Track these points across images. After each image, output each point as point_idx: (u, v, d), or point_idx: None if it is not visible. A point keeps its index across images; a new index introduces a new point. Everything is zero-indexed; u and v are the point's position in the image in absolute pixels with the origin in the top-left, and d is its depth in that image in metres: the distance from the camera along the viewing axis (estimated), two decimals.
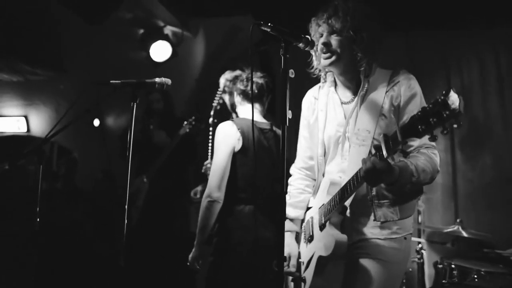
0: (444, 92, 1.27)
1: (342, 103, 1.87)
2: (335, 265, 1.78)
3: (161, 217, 3.66)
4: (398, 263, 1.78)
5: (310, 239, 1.89)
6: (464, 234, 2.91)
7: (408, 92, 1.75)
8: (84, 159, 4.77)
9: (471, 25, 4.11)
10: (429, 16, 4.07)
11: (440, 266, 3.03)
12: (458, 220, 3.02)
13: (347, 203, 1.76)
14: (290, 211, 2.00)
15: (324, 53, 1.76)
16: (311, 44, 1.67)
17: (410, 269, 3.30)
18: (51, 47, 4.87)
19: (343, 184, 1.73)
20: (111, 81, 1.84)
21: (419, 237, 3.57)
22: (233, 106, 3.34)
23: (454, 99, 1.23)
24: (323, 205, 1.84)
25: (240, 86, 2.64)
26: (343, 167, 1.81)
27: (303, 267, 1.89)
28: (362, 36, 1.73)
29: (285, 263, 1.88)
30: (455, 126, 1.24)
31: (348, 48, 1.75)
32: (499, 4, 3.79)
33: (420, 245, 3.39)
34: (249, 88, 2.59)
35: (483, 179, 4.03)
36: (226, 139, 2.43)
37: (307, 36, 1.67)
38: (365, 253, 1.75)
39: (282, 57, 1.57)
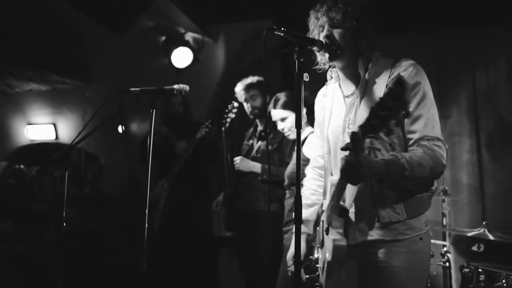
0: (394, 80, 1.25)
1: (344, 97, 1.79)
2: (341, 270, 1.75)
3: (183, 221, 3.70)
4: (414, 268, 1.65)
5: (321, 244, 1.86)
6: (491, 237, 2.82)
7: (409, 82, 1.60)
8: (110, 165, 4.89)
9: (498, 22, 4.01)
10: (456, 15, 4.00)
11: (467, 270, 2.94)
12: (484, 223, 2.93)
13: (348, 204, 1.69)
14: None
15: (327, 47, 1.67)
16: (326, 47, 1.67)
17: (435, 273, 3.23)
18: (78, 57, 5.04)
19: None
20: (130, 89, 1.89)
21: (444, 240, 3.49)
22: (253, 112, 3.40)
23: (398, 88, 1.20)
24: (327, 208, 1.79)
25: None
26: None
27: (320, 273, 1.88)
28: (365, 26, 1.65)
29: (290, 264, 1.86)
30: (406, 116, 1.24)
31: (351, 40, 1.66)
32: None
33: (445, 249, 3.31)
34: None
35: None
36: None
37: (321, 40, 1.67)
38: (377, 260, 1.65)
39: (296, 61, 1.58)
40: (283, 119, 2.92)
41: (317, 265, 1.90)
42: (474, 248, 2.90)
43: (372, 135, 1.30)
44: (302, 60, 1.58)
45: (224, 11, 4.30)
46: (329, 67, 1.84)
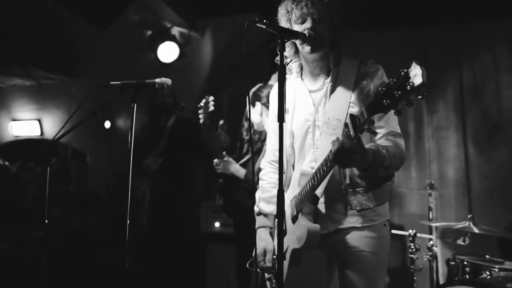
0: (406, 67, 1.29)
1: (310, 91, 1.82)
2: (311, 256, 1.76)
3: (170, 218, 3.67)
4: (381, 252, 1.76)
5: (284, 234, 1.84)
6: (476, 230, 2.84)
7: (377, 81, 1.71)
8: (99, 162, 4.84)
9: (484, 17, 4.04)
10: (443, 10, 4.01)
11: (453, 263, 2.96)
12: (469, 216, 2.95)
13: (319, 192, 1.73)
14: (263, 206, 1.97)
15: (310, 39, 1.69)
16: (308, 39, 1.65)
17: (421, 267, 3.24)
18: (63, 52, 4.96)
19: None
20: (111, 83, 1.86)
21: (430, 234, 3.51)
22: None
23: (417, 71, 1.24)
24: (294, 197, 1.80)
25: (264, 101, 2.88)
26: (315, 156, 1.77)
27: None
28: (346, 22, 1.71)
29: (261, 259, 1.86)
30: (419, 97, 1.25)
31: (331, 35, 1.72)
32: None
33: (431, 242, 3.32)
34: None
35: (499, 174, 3.94)
36: None
37: (304, 32, 1.65)
38: (347, 246, 1.73)
39: (279, 53, 1.56)
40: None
41: (273, 256, 1.88)
42: (460, 241, 2.91)
43: (380, 113, 1.37)
44: (284, 52, 1.57)
45: (210, 5, 4.26)
46: (290, 61, 1.87)
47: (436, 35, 4.25)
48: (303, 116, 1.81)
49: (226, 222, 4.08)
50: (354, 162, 1.52)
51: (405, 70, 1.26)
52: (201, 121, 3.22)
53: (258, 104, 2.85)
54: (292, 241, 1.77)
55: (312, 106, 1.79)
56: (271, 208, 1.95)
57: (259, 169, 2.12)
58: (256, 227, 1.96)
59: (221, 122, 3.38)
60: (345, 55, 1.78)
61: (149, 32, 4.42)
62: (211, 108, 3.23)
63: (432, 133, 4.21)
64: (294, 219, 1.77)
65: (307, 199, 1.71)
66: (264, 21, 1.53)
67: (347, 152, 1.46)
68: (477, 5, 3.90)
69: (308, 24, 1.69)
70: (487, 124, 4.06)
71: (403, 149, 1.69)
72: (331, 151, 1.52)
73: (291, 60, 1.86)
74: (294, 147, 1.85)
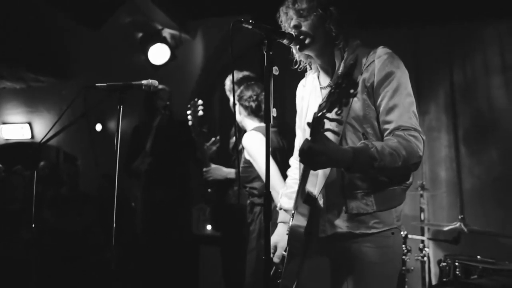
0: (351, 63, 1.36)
1: (321, 88, 1.76)
2: (313, 263, 1.73)
3: (162, 220, 3.65)
4: (387, 262, 1.61)
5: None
6: (466, 230, 2.84)
7: (382, 71, 1.56)
8: (88, 164, 4.80)
9: (475, 18, 4.06)
10: (434, 11, 4.03)
11: (444, 264, 2.96)
12: (460, 217, 2.96)
13: (316, 192, 1.66)
14: (284, 202, 1.94)
15: (297, 38, 1.64)
16: (295, 39, 1.64)
17: (413, 268, 3.24)
18: (53, 54, 4.92)
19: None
20: (96, 84, 1.84)
21: (422, 235, 3.51)
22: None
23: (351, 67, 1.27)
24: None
25: (246, 103, 2.79)
26: None
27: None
28: (331, 11, 1.62)
29: (272, 253, 1.84)
30: (352, 93, 1.34)
31: (321, 28, 1.63)
32: None
33: (423, 244, 3.33)
34: (254, 105, 2.76)
35: (490, 174, 3.96)
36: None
37: (291, 32, 1.64)
38: (349, 254, 1.62)
39: (265, 54, 1.54)
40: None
41: (282, 252, 1.86)
42: (451, 242, 2.92)
43: (327, 115, 1.36)
44: (271, 53, 1.55)
45: (201, 7, 4.24)
46: (300, 61, 1.81)
47: (427, 36, 4.26)
48: (312, 112, 1.69)
49: None
50: (320, 164, 1.45)
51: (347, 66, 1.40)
52: (189, 123, 3.20)
53: (237, 104, 2.84)
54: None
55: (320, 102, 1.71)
56: (292, 204, 1.86)
57: (289, 166, 2.09)
58: (277, 221, 1.94)
59: (214, 138, 3.37)
60: (355, 47, 1.67)
61: (140, 34, 4.39)
62: (201, 112, 3.22)
63: (424, 134, 4.21)
64: (292, 216, 1.71)
65: (300, 197, 1.65)
66: (250, 21, 1.51)
67: (310, 154, 1.39)
68: (468, 5, 3.91)
69: (292, 22, 1.65)
70: (478, 125, 4.08)
71: (414, 145, 1.48)
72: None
73: (305, 62, 1.81)
74: None
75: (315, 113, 1.36)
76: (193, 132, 3.20)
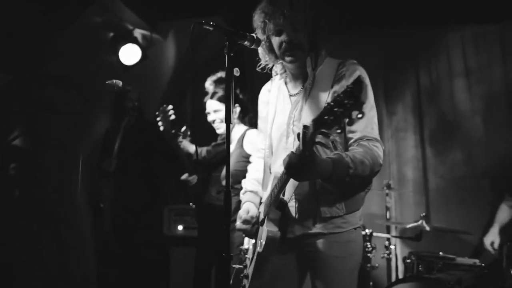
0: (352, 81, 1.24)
1: (290, 95, 1.83)
2: (280, 262, 1.79)
3: (133, 220, 3.63)
4: (349, 256, 1.75)
5: (255, 235, 1.88)
6: (428, 228, 2.95)
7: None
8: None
9: (440, 23, 4.19)
10: (402, 16, 4.14)
11: (408, 260, 3.07)
12: (422, 215, 3.07)
13: (288, 197, 1.72)
14: (248, 185, 2.03)
15: (289, 50, 1.70)
16: (257, 42, 1.68)
17: (377, 265, 3.33)
18: (21, 52, 4.80)
19: None
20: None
21: (388, 233, 3.60)
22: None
23: (359, 87, 1.20)
24: (264, 200, 1.84)
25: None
26: None
27: (248, 264, 1.90)
28: (322, 26, 1.70)
29: (239, 217, 1.91)
30: (359, 116, 1.21)
31: (311, 41, 1.71)
32: (468, 4, 3.87)
33: (388, 241, 3.42)
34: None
35: (454, 174, 4.09)
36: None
37: (252, 35, 1.68)
38: (316, 251, 1.72)
39: (226, 56, 1.58)
40: (216, 111, 2.97)
41: (246, 256, 1.91)
42: (413, 239, 3.02)
43: (324, 130, 1.32)
44: (232, 54, 1.58)
45: (173, 7, 4.24)
46: (272, 65, 1.87)
47: (395, 40, 4.38)
48: (281, 119, 1.82)
49: (190, 225, 4.07)
50: (307, 175, 1.52)
51: (350, 86, 1.21)
52: (161, 128, 3.22)
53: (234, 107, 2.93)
54: (258, 245, 1.79)
55: (290, 109, 1.79)
56: (256, 187, 2.00)
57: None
58: (243, 202, 2.00)
59: (183, 128, 3.37)
60: (323, 56, 1.77)
61: (111, 34, 4.35)
62: (172, 117, 3.24)
63: (392, 134, 4.34)
64: (262, 222, 1.79)
65: (273, 204, 1.71)
66: (211, 23, 1.55)
67: (296, 166, 1.44)
68: (433, 12, 4.04)
69: (284, 36, 1.69)
70: (442, 126, 4.21)
71: (377, 155, 1.62)
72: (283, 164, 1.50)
73: (273, 65, 1.86)
74: (272, 150, 1.86)
75: (306, 126, 1.36)
76: (166, 137, 3.23)
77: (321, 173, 1.52)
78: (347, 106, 1.21)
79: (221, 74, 3.33)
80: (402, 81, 4.37)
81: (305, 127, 1.37)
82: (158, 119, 3.19)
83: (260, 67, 1.87)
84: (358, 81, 1.20)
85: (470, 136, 4.09)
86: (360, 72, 1.69)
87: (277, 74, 1.91)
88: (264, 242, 1.69)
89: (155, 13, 4.31)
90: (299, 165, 1.43)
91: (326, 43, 1.75)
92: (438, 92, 4.26)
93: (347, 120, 1.24)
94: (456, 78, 4.21)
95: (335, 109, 1.24)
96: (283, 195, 1.72)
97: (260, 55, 1.83)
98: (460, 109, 4.18)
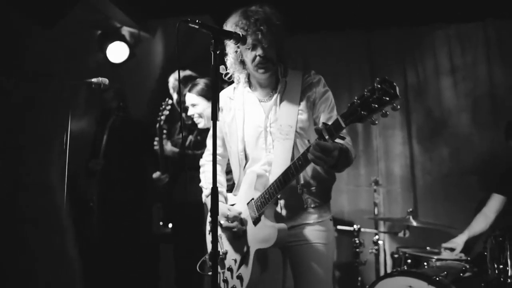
0: (378, 79, 1.42)
1: (260, 101, 1.99)
2: (274, 255, 1.88)
3: (120, 220, 3.62)
4: (330, 243, 1.95)
5: (242, 235, 1.92)
6: (414, 223, 2.99)
7: (321, 89, 1.93)
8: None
9: (427, 22, 4.23)
10: (389, 15, 4.17)
11: (396, 255, 3.11)
12: (409, 210, 3.11)
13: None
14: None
15: (263, 63, 1.87)
16: (243, 40, 1.69)
17: (365, 260, 3.36)
18: (6, 53, 4.75)
19: (269, 175, 1.84)
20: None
21: (376, 228, 3.64)
22: (182, 105, 3.34)
23: (392, 86, 1.38)
24: (252, 199, 1.88)
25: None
26: (269, 160, 1.92)
27: (236, 265, 1.91)
28: (286, 42, 1.92)
29: (223, 218, 1.96)
30: (398, 107, 1.39)
31: (278, 55, 1.91)
32: (454, 3, 3.91)
33: (376, 237, 3.45)
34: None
35: (440, 170, 4.14)
36: None
37: (238, 33, 1.69)
38: (303, 240, 1.89)
39: (212, 53, 1.58)
40: (194, 105, 2.92)
41: (224, 261, 1.94)
42: (401, 234, 3.06)
43: (356, 122, 1.50)
44: (218, 52, 1.59)
45: (161, 6, 4.22)
46: (233, 72, 2.01)
47: (381, 38, 4.41)
48: (254, 123, 1.96)
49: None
50: (333, 160, 1.64)
51: (379, 85, 1.39)
52: (161, 122, 3.24)
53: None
54: (255, 242, 1.85)
55: (262, 114, 1.95)
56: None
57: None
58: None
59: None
60: (288, 66, 1.98)
61: (98, 32, 4.31)
62: (166, 112, 3.24)
63: (380, 131, 4.37)
64: (257, 221, 1.85)
65: (273, 201, 1.82)
66: (197, 21, 1.55)
67: (329, 151, 1.59)
68: (420, 11, 4.08)
69: (259, 51, 1.84)
70: (429, 123, 4.26)
71: (353, 150, 1.84)
72: (305, 154, 1.66)
73: (237, 72, 2.01)
74: (246, 152, 1.98)
75: (337, 119, 1.55)
76: (158, 132, 3.24)
77: (334, 159, 1.67)
78: (384, 101, 1.38)
79: (185, 73, 3.35)
80: (389, 78, 4.39)
81: (324, 124, 1.59)
82: (162, 113, 3.28)
83: (227, 76, 2.02)
84: (389, 81, 1.39)
85: (457, 133, 4.15)
86: (323, 79, 1.97)
87: (239, 82, 2.04)
88: (275, 238, 1.78)
89: (143, 11, 4.29)
90: (331, 149, 1.59)
91: (290, 56, 1.98)
92: (425, 89, 4.31)
93: (380, 114, 1.42)
94: (442, 76, 4.26)
95: (372, 105, 1.41)
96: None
97: (228, 64, 1.97)
98: (446, 107, 4.23)
